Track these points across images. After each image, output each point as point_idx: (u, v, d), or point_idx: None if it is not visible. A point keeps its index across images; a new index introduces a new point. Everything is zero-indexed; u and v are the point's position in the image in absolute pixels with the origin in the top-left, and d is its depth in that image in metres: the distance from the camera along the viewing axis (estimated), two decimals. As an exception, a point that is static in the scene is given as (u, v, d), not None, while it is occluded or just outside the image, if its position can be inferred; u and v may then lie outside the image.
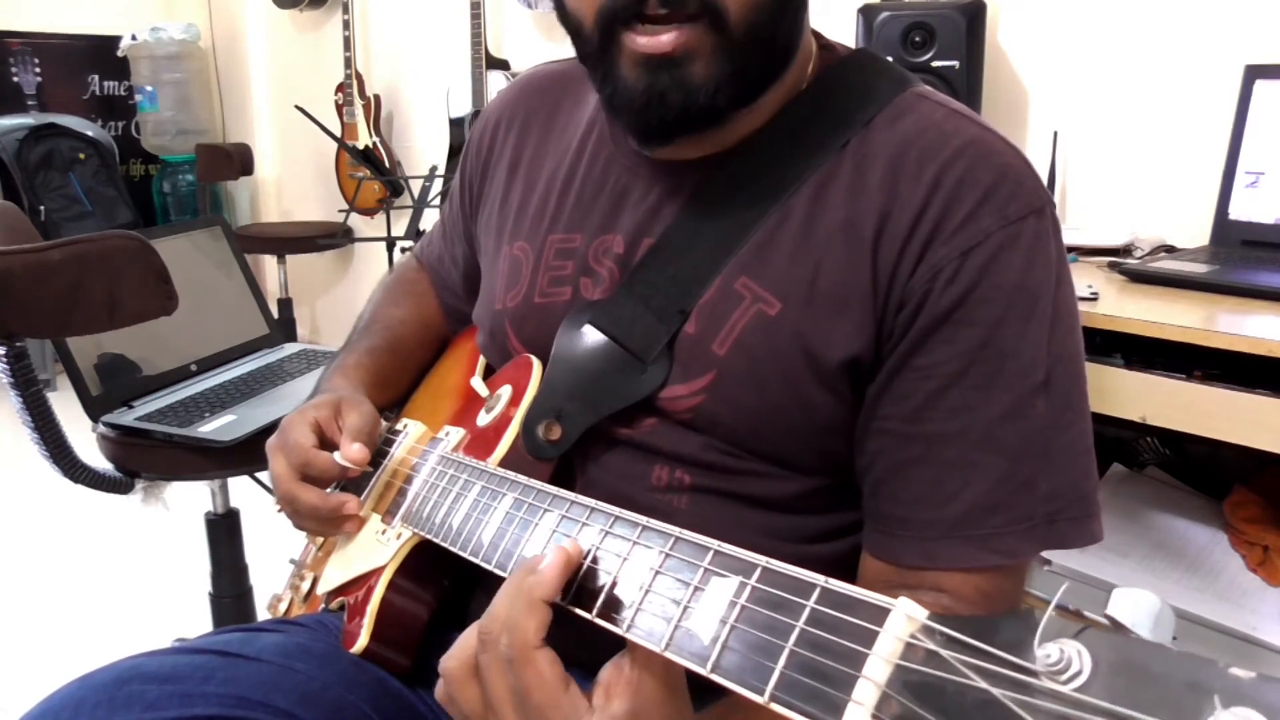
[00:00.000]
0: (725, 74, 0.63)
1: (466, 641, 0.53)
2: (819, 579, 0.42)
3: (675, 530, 0.49)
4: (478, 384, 0.80)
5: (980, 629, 0.36)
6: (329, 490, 0.77)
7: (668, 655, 0.45)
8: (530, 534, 0.58)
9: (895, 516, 0.64)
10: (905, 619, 0.38)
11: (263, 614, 0.93)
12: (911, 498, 0.63)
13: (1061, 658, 0.33)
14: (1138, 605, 0.35)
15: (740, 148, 0.70)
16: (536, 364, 0.74)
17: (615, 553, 0.51)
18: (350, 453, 0.74)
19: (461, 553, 0.63)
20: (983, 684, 0.34)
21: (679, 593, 0.47)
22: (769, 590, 0.43)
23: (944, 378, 0.62)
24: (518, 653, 0.49)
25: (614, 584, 0.50)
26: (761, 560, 0.45)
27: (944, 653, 0.36)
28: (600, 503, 0.55)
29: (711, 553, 0.47)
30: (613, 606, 0.49)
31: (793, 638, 0.41)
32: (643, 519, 0.51)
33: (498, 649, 0.50)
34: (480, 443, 0.74)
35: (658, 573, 0.48)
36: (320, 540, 0.86)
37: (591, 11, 0.63)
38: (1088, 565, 1.26)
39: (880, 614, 0.39)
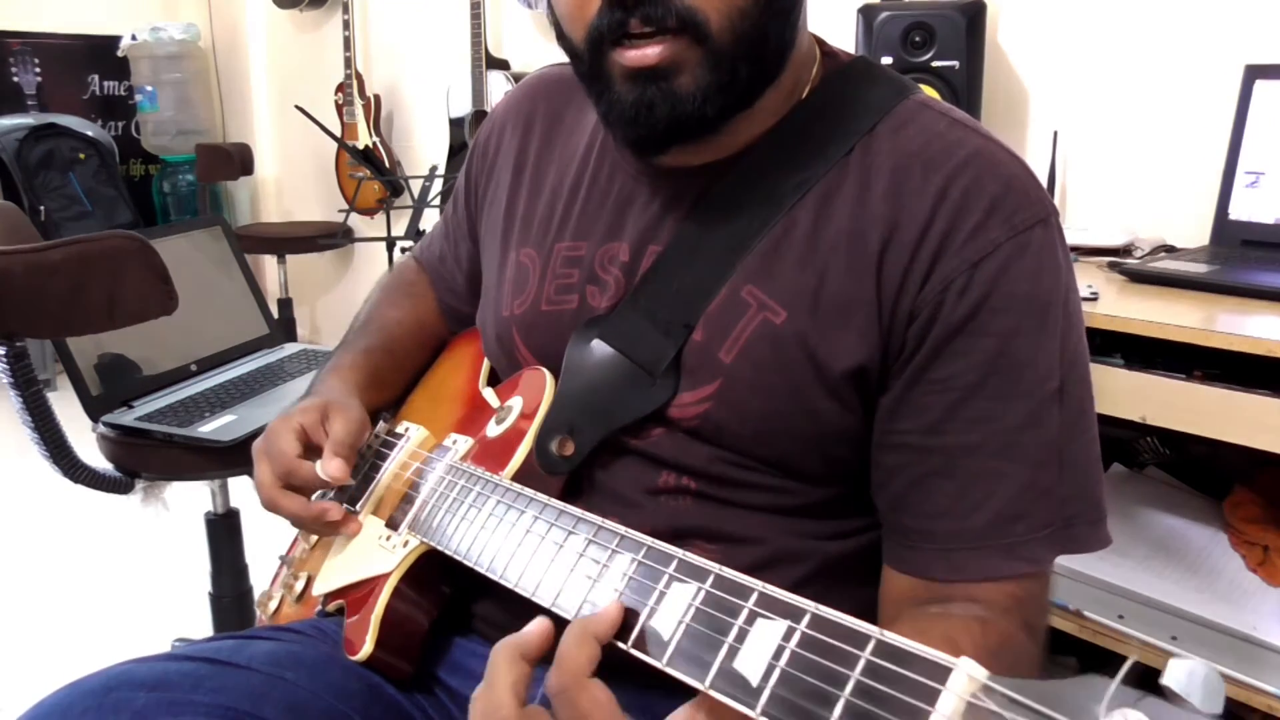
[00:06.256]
0: (712, 84, 0.63)
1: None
2: (873, 630, 0.42)
3: (714, 566, 0.49)
4: (489, 394, 0.79)
5: (1043, 693, 0.35)
6: (323, 496, 0.77)
7: (711, 693, 0.45)
8: (556, 555, 0.58)
9: (919, 530, 0.64)
10: (967, 678, 0.38)
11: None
12: (935, 510, 0.63)
13: None
14: (1191, 675, 0.35)
15: (743, 155, 0.70)
16: (549, 378, 0.74)
17: (649, 583, 0.51)
18: (329, 468, 0.73)
19: (478, 568, 0.63)
20: None
21: (721, 631, 0.46)
22: (819, 637, 0.43)
23: (962, 390, 0.62)
24: (571, 680, 0.49)
25: (650, 615, 0.50)
26: (810, 606, 0.44)
27: (1008, 715, 0.36)
28: (630, 530, 0.55)
29: (756, 594, 0.47)
30: (649, 638, 0.49)
31: (849, 687, 0.40)
32: (677, 551, 0.51)
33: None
34: (491, 454, 0.73)
35: (697, 608, 0.48)
36: (313, 537, 0.86)
37: (581, 34, 0.65)
38: (1088, 566, 1.26)
39: (941, 671, 0.39)
